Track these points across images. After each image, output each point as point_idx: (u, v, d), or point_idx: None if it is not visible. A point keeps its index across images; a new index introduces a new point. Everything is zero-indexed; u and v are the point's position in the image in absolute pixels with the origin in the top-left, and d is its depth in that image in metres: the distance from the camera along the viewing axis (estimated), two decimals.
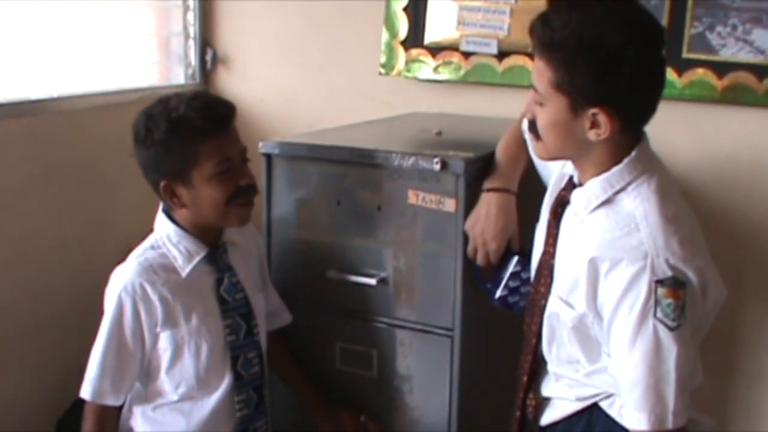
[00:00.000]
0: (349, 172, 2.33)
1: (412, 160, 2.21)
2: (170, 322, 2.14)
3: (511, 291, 2.16)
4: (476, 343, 2.30)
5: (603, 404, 1.91)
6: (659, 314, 1.71)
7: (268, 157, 2.42)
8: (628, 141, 1.82)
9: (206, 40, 3.45)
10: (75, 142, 2.85)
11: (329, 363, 2.45)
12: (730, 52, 2.69)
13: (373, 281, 2.32)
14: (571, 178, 1.94)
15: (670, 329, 1.72)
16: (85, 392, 2.14)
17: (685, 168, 2.79)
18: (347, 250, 2.37)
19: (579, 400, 1.94)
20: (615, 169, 1.81)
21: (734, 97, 2.71)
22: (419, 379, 2.34)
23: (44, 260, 2.75)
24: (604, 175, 1.81)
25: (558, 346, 1.94)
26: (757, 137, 2.76)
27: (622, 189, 1.81)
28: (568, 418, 1.98)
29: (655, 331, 1.72)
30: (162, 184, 2.11)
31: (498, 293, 2.18)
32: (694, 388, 1.87)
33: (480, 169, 2.21)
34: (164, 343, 2.14)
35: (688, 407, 1.76)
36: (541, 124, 1.84)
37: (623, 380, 1.76)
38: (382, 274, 2.32)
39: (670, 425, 1.72)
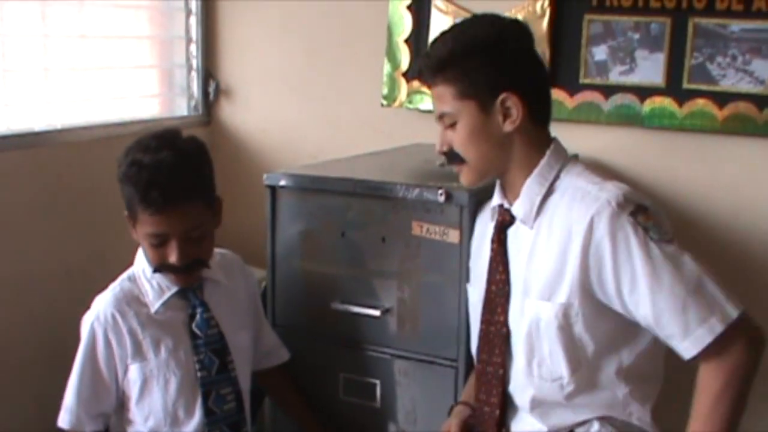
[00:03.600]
0: (354, 203, 2.34)
1: (416, 191, 2.22)
2: (139, 354, 2.14)
3: None
4: None
5: (578, 430, 1.93)
6: (654, 236, 1.78)
7: (272, 188, 2.43)
8: (540, 135, 1.96)
9: (209, 72, 3.47)
10: (78, 173, 2.85)
11: (332, 393, 2.45)
12: (730, 82, 2.71)
13: (377, 312, 2.32)
14: (501, 207, 2.01)
15: (670, 242, 1.79)
16: (63, 421, 2.16)
17: (687, 198, 2.81)
18: (351, 281, 2.37)
19: (556, 429, 1.94)
20: (541, 163, 1.93)
21: (735, 127, 2.72)
22: (423, 410, 2.34)
23: (47, 290, 2.75)
24: (535, 171, 1.92)
25: (539, 363, 1.92)
26: (758, 167, 2.77)
27: (556, 177, 1.92)
28: None
29: (663, 251, 1.77)
30: (126, 213, 2.13)
31: None
32: (655, 394, 1.94)
33: (484, 200, 2.21)
34: (133, 375, 2.15)
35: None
36: (460, 142, 1.94)
37: (671, 315, 1.76)
38: (387, 305, 2.33)
39: (734, 314, 1.75)
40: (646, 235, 1.78)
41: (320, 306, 2.41)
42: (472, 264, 2.16)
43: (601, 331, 1.86)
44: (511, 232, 1.99)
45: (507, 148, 1.92)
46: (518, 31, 1.98)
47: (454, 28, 1.99)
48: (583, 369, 1.88)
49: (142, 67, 3.31)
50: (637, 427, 1.92)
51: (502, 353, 1.99)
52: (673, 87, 2.76)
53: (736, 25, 2.68)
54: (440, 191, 2.18)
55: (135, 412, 2.17)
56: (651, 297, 1.76)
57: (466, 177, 1.99)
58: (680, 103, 2.77)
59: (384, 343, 2.36)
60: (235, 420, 2.25)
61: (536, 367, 1.93)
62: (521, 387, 1.97)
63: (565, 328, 1.86)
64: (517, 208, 1.95)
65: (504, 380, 2.00)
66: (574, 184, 1.89)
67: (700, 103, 2.75)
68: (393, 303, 2.32)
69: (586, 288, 1.83)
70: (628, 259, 1.78)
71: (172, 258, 2.09)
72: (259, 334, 2.40)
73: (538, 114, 1.94)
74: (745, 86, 2.70)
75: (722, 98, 2.73)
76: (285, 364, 2.46)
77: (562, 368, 1.89)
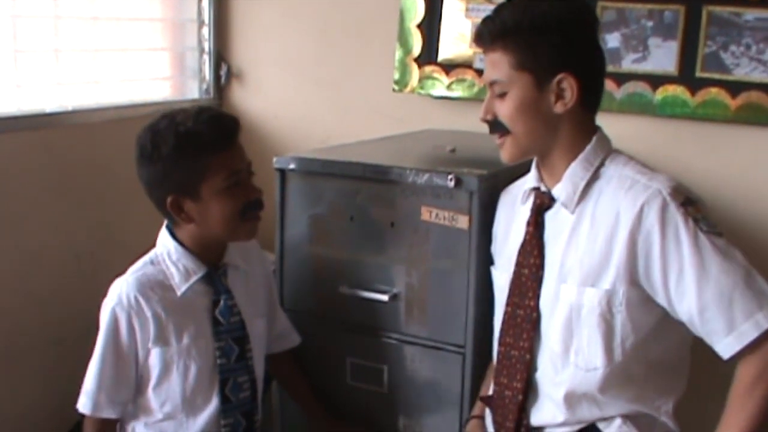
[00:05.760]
0: (363, 188, 2.33)
1: (425, 176, 2.22)
2: (161, 339, 2.13)
3: None
4: (487, 360, 2.28)
5: (600, 424, 1.91)
6: (705, 228, 1.77)
7: (282, 172, 2.43)
8: (588, 122, 1.95)
9: (221, 55, 3.47)
10: (89, 155, 2.86)
11: (340, 378, 2.45)
12: (744, 71, 2.70)
13: (385, 297, 2.32)
14: (537, 189, 1.99)
15: (720, 235, 1.78)
16: (83, 406, 2.15)
17: (698, 187, 2.77)
18: (360, 266, 2.37)
19: (578, 422, 1.93)
20: (588, 148, 1.92)
21: (747, 116, 2.71)
22: (430, 395, 2.34)
23: (57, 273, 2.76)
24: (581, 156, 1.91)
25: (576, 351, 1.89)
26: None
27: (601, 164, 1.91)
28: None
29: (713, 243, 1.76)
30: (169, 199, 2.10)
31: None
32: (681, 388, 1.94)
33: (493, 186, 2.21)
34: (154, 360, 2.14)
35: None
36: (507, 114, 1.90)
37: (716, 309, 1.74)
38: (395, 290, 2.32)
39: None
40: (697, 227, 1.77)
41: (329, 290, 2.41)
42: (497, 248, 2.15)
43: (641, 323, 1.85)
44: (549, 216, 1.97)
45: (553, 128, 1.91)
46: (588, 14, 1.97)
47: None
48: (619, 360, 1.86)
49: (153, 49, 3.32)
50: (660, 424, 1.91)
51: (529, 338, 1.96)
52: (685, 75, 2.75)
53: (750, 14, 2.66)
54: (450, 176, 2.18)
55: (151, 397, 2.17)
56: (697, 289, 1.75)
57: (507, 150, 1.96)
58: (693, 92, 2.76)
59: (392, 328, 2.35)
60: (249, 408, 2.25)
61: (573, 355, 1.90)
62: (551, 375, 1.95)
63: (607, 316, 1.85)
64: (559, 191, 1.94)
65: (530, 365, 1.97)
66: (620, 172, 1.88)
67: (713, 92, 2.73)
68: (401, 288, 2.32)
69: (631, 276, 1.82)
70: (677, 249, 1.77)
71: (253, 193, 2.14)
72: (273, 318, 2.41)
73: (590, 100, 1.92)
74: (759, 75, 2.68)
75: (735, 87, 2.71)
76: (294, 349, 2.46)
77: (598, 358, 1.87)
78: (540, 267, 1.95)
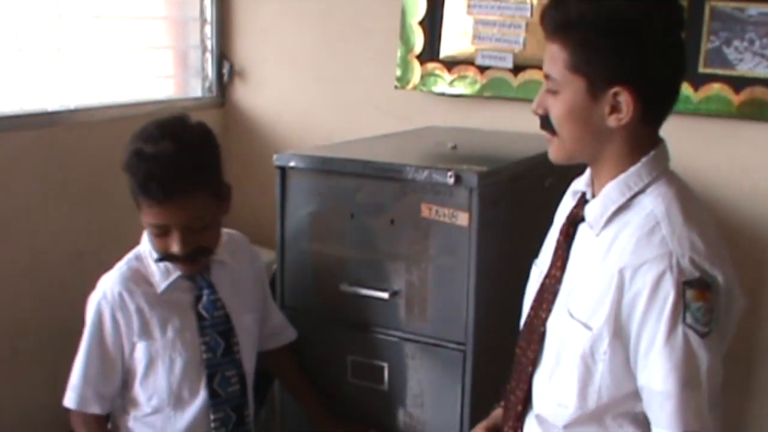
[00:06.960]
0: (363, 185, 2.32)
1: (425, 173, 2.21)
2: (146, 333, 2.14)
3: None
4: (488, 357, 2.29)
5: None
6: (689, 319, 1.58)
7: (282, 169, 2.42)
8: (647, 135, 1.71)
9: (223, 54, 3.47)
10: (91, 153, 2.86)
11: (340, 376, 2.45)
12: (747, 66, 2.69)
13: (385, 295, 2.31)
14: (583, 195, 1.83)
15: (701, 336, 1.58)
16: (69, 401, 2.15)
17: (702, 183, 2.78)
18: (360, 264, 2.37)
19: None
20: (632, 169, 1.69)
21: (751, 112, 2.70)
22: (430, 393, 2.33)
23: (60, 271, 2.76)
24: (621, 177, 1.69)
25: (557, 381, 1.75)
26: None
27: (641, 191, 1.68)
28: None
29: (686, 339, 1.58)
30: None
31: None
32: None
33: (494, 183, 2.20)
34: (139, 353, 2.14)
35: (719, 426, 1.62)
36: (556, 115, 1.70)
37: (653, 395, 1.61)
38: (395, 288, 2.32)
39: None
40: (682, 313, 1.57)
41: (329, 288, 2.41)
42: (548, 236, 1.97)
43: (621, 382, 1.68)
44: (582, 229, 1.79)
45: (604, 140, 1.68)
46: (669, 16, 1.67)
47: None
48: (592, 408, 1.70)
49: (156, 47, 3.32)
50: None
51: (534, 351, 1.82)
52: (688, 71, 2.69)
53: (753, 9, 2.66)
54: (449, 173, 2.17)
55: (138, 391, 2.17)
56: (652, 368, 1.61)
57: (553, 152, 1.76)
58: (696, 88, 2.74)
59: (392, 325, 2.35)
60: (239, 403, 2.25)
61: (554, 385, 1.76)
62: (537, 393, 1.83)
63: (588, 360, 1.68)
64: (589, 210, 1.75)
65: (531, 377, 1.85)
66: (654, 208, 1.66)
67: (716, 87, 2.72)
68: (402, 286, 2.31)
69: (616, 326, 1.64)
70: (656, 322, 1.59)
71: (174, 248, 2.07)
72: (266, 314, 2.40)
73: (652, 115, 1.68)
74: (762, 71, 2.67)
75: (739, 83, 2.70)
76: (292, 345, 2.46)
77: (571, 398, 1.71)
78: (558, 281, 1.80)
